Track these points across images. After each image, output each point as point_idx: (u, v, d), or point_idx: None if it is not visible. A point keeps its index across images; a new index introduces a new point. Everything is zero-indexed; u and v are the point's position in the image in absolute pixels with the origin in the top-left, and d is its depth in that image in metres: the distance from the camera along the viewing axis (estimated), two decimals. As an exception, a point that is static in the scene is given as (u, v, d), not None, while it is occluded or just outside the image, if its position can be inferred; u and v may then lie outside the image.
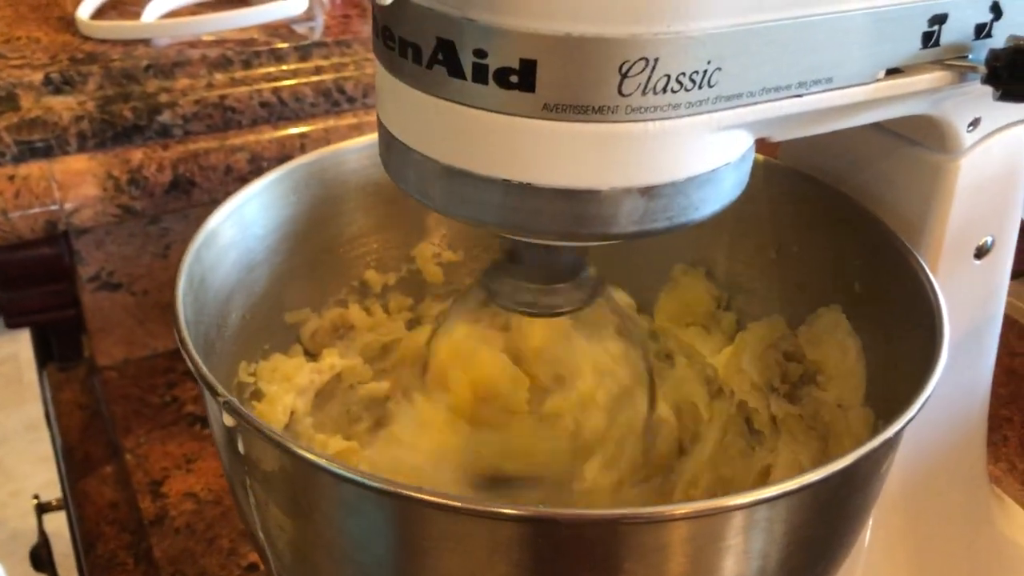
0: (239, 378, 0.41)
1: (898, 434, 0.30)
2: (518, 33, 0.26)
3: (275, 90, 0.66)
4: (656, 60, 0.26)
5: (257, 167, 0.65)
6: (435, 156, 0.29)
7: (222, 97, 0.65)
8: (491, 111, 0.27)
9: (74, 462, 0.64)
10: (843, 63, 0.30)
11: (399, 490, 0.27)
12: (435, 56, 0.28)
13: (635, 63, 0.26)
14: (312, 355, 0.46)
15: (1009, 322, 0.77)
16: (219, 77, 0.66)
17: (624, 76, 0.26)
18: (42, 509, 0.82)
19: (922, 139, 0.38)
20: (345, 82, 0.68)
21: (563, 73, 0.26)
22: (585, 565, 0.28)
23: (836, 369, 0.41)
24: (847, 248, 0.42)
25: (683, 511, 0.28)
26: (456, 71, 0.27)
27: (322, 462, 0.28)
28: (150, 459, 0.62)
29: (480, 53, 0.27)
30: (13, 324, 0.67)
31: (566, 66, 0.26)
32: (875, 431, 0.38)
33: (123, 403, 0.67)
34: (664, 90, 0.27)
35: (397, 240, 0.49)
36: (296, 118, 0.67)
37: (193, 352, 0.31)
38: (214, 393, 0.29)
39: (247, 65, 0.67)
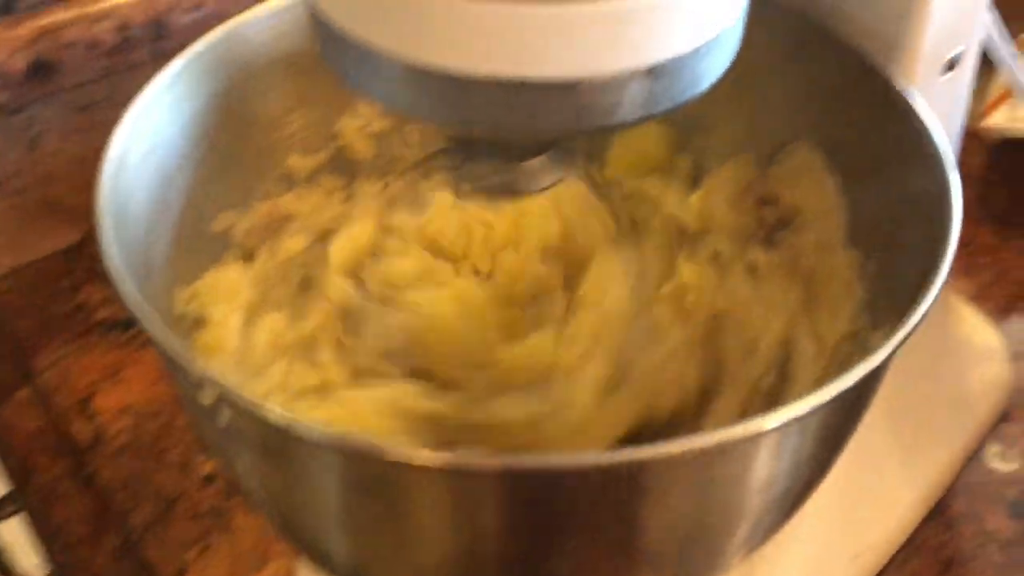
0: (178, 309, 0.37)
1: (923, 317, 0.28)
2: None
3: (129, -59, 0.57)
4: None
5: (126, 38, 0.57)
6: (405, 54, 0.24)
7: (68, -43, 0.55)
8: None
9: (-15, 389, 0.59)
10: None
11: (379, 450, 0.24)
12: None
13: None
14: (249, 258, 0.41)
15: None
16: (60, -67, 0.56)
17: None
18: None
19: (899, -49, 0.35)
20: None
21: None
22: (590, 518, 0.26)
23: (814, 209, 0.39)
24: (813, 74, 0.39)
25: (712, 441, 0.25)
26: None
27: (304, 430, 0.25)
28: (71, 376, 0.57)
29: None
30: None
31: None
32: (863, 272, 0.37)
33: (25, 318, 0.61)
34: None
35: (318, 116, 0.43)
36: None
37: (155, 323, 0.26)
38: (191, 374, 0.25)
39: (90, -87, 0.57)
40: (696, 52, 0.25)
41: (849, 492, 0.46)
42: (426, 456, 0.24)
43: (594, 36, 0.23)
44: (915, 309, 0.27)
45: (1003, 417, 0.54)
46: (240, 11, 0.40)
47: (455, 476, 0.24)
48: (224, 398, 0.26)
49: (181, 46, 0.58)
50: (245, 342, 0.37)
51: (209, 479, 0.51)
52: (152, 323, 0.27)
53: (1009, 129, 0.65)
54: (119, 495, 0.51)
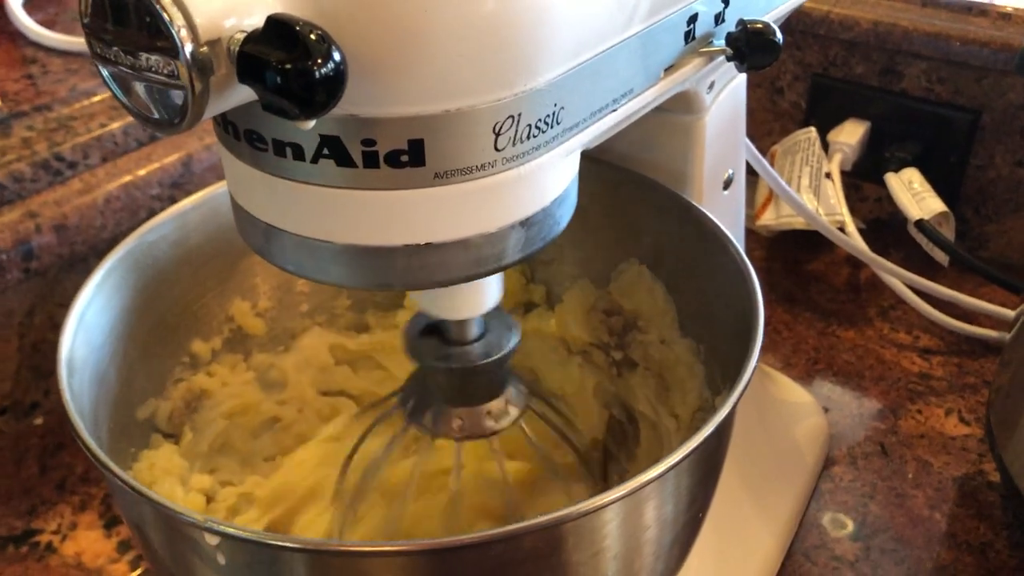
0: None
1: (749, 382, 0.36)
2: (403, 119, 0.29)
3: (-12, 174, 0.61)
4: (520, 115, 0.30)
5: (-3, 261, 0.60)
6: (332, 239, 0.31)
7: (-70, 197, 0.59)
8: (385, 189, 0.30)
9: None
10: (638, 74, 0.36)
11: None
12: (320, 152, 0.29)
13: (504, 122, 0.30)
14: (174, 438, 0.45)
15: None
16: (-82, 175, 0.59)
17: (497, 135, 0.30)
18: None
19: (674, 108, 0.45)
20: (60, 148, 0.64)
21: (447, 144, 0.29)
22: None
23: (651, 312, 0.48)
24: (629, 207, 0.49)
25: (614, 496, 0.32)
26: (345, 161, 0.29)
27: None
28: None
29: (369, 142, 0.29)
30: None
31: (449, 138, 0.29)
32: (699, 355, 0.45)
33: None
34: (528, 137, 0.31)
35: (213, 305, 0.49)
36: (20, 198, 0.62)
37: (142, 488, 0.31)
38: (192, 523, 0.30)
39: (-55, 155, 0.61)
40: (555, 201, 0.34)
41: (722, 540, 0.54)
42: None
43: (480, 204, 0.31)
44: (739, 380, 0.35)
45: (828, 462, 0.65)
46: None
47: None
48: (229, 536, 0.30)
49: (56, 260, 0.62)
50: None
51: (141, 667, 0.53)
52: (139, 487, 0.31)
53: (778, 224, 0.78)
54: None
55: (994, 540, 0.59)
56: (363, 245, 0.31)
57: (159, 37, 0.25)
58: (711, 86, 0.45)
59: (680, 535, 0.36)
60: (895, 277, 0.72)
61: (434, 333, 0.40)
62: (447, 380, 0.39)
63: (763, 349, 0.73)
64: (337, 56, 0.25)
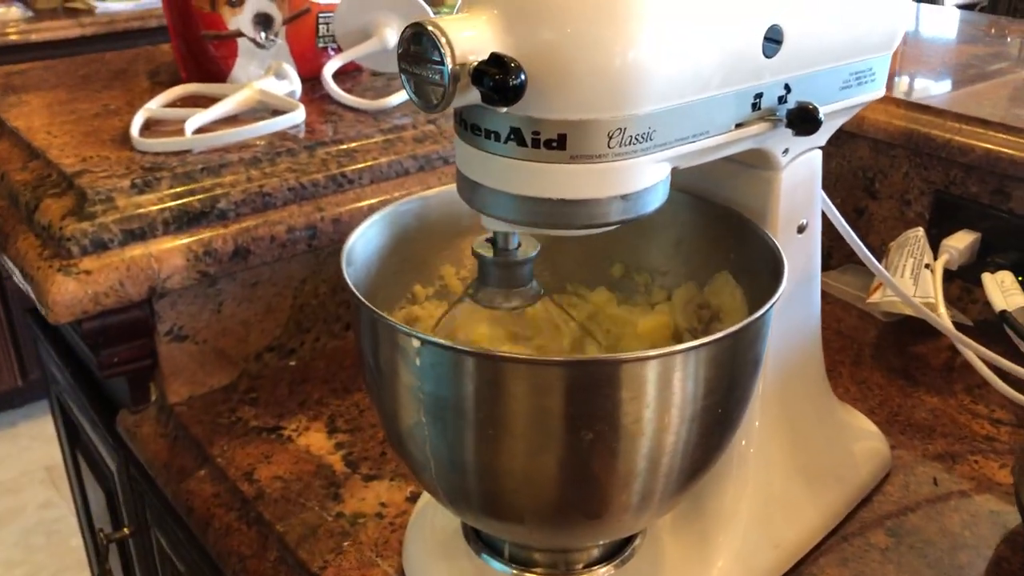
0: (361, 353, 0.63)
1: (765, 314, 0.55)
2: (556, 120, 0.51)
3: (297, 178, 0.89)
4: (625, 128, 0.52)
5: (293, 236, 0.87)
6: (509, 190, 0.53)
7: (260, 186, 0.87)
8: (541, 162, 0.52)
9: (171, 473, 0.83)
10: (713, 123, 0.56)
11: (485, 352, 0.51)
12: (508, 136, 0.52)
13: (615, 131, 0.51)
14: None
15: (834, 300, 1.06)
16: (254, 172, 0.88)
17: (610, 138, 0.52)
18: (108, 540, 0.99)
19: (757, 163, 0.65)
20: (346, 169, 0.92)
21: (579, 139, 0.51)
22: (595, 398, 0.52)
23: (730, 308, 0.67)
24: (723, 234, 0.68)
25: (654, 353, 0.52)
26: (522, 142, 0.52)
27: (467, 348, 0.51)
28: (236, 459, 0.82)
29: (536, 132, 0.51)
30: (108, 375, 0.86)
31: (582, 135, 0.51)
32: (755, 337, 0.64)
33: (200, 426, 0.86)
34: (630, 144, 0.52)
35: (433, 264, 0.72)
36: (313, 197, 0.90)
37: (376, 311, 0.54)
38: (406, 333, 0.52)
39: (272, 162, 0.90)
40: (646, 189, 0.54)
41: (770, 505, 0.70)
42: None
43: (596, 179, 0.52)
44: (756, 312, 0.54)
45: (884, 483, 0.79)
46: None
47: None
48: (427, 342, 0.52)
49: (329, 243, 0.88)
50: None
51: (339, 515, 0.75)
52: (369, 305, 0.54)
53: (882, 303, 0.94)
54: (278, 525, 0.74)
55: (1011, 557, 0.71)
56: (525, 195, 0.53)
57: (436, 59, 0.49)
58: (786, 151, 0.65)
59: (699, 415, 0.54)
60: (971, 351, 0.85)
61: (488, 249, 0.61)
62: (492, 269, 0.60)
63: (855, 398, 0.88)
64: (523, 77, 0.48)
